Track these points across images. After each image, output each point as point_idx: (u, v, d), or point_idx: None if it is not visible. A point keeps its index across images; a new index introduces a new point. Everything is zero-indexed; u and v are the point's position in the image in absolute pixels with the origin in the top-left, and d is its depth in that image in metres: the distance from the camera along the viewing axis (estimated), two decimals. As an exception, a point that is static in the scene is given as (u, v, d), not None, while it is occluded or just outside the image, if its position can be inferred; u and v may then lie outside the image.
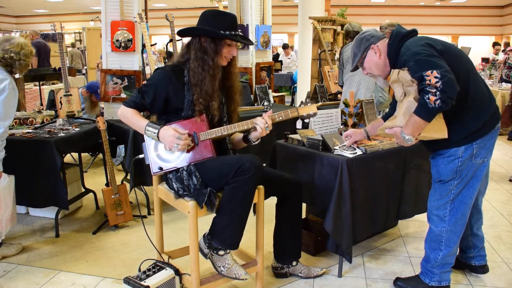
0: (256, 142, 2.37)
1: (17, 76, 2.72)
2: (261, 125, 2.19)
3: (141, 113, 2.37)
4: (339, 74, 4.18)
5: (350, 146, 2.56)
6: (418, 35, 2.20)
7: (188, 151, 2.20)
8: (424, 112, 1.96)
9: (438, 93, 1.88)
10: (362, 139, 2.58)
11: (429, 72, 1.89)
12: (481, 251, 2.58)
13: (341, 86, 4.20)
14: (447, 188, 2.24)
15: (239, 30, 2.25)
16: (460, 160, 2.17)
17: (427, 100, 1.90)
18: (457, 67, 2.01)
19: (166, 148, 2.22)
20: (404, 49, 2.10)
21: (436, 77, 1.88)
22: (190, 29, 2.23)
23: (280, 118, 2.19)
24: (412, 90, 2.06)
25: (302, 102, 2.22)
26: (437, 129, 2.07)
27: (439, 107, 1.91)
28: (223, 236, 2.18)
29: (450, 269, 2.39)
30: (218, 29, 2.16)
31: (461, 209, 2.26)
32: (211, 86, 2.19)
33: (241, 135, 2.41)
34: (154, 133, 2.18)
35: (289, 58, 12.22)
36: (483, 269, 2.60)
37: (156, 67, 3.77)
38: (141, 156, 2.35)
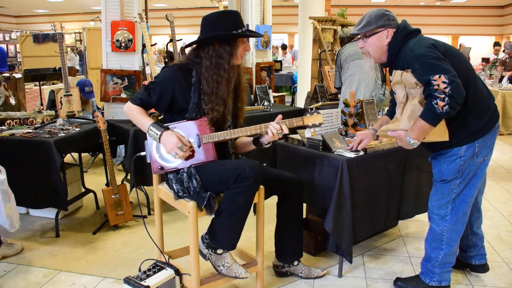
0: (268, 146, 2.34)
1: (18, 76, 2.70)
2: (274, 130, 2.16)
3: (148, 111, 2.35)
4: (336, 76, 4.16)
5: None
6: (420, 35, 2.18)
7: (187, 159, 2.19)
8: (432, 117, 1.95)
9: (446, 98, 1.87)
10: (373, 140, 2.54)
11: (436, 77, 1.88)
12: (481, 250, 2.58)
13: (337, 89, 4.18)
14: (449, 187, 2.24)
15: (246, 24, 2.25)
16: (462, 159, 2.17)
17: (435, 106, 1.89)
18: (459, 68, 2.00)
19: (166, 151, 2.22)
20: (408, 49, 2.08)
21: (444, 82, 1.86)
22: (204, 38, 2.17)
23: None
24: (415, 92, 2.04)
25: (308, 111, 2.20)
26: (439, 133, 2.07)
27: (447, 112, 1.91)
28: (221, 238, 2.18)
29: (451, 269, 2.40)
30: (229, 29, 2.14)
31: (462, 208, 2.26)
32: (227, 90, 2.19)
33: (250, 138, 2.37)
34: (157, 134, 2.16)
35: (283, 59, 12.24)
36: (484, 268, 2.60)
37: (156, 67, 3.78)
38: (142, 153, 2.34)
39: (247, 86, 4.62)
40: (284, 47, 12.95)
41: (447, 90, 1.87)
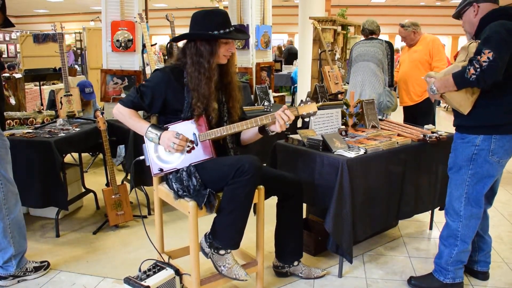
0: (273, 134, 2.31)
1: (18, 76, 2.69)
2: (281, 121, 2.15)
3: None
4: (348, 71, 4.16)
5: (351, 146, 2.57)
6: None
7: (188, 152, 2.20)
8: (459, 77, 2.07)
9: (479, 70, 1.97)
10: None
11: (487, 51, 1.98)
12: (487, 256, 2.57)
13: (348, 83, 4.19)
14: (461, 177, 2.30)
15: (232, 26, 2.24)
16: (477, 148, 2.23)
17: (467, 70, 2.01)
18: None
19: (166, 150, 2.22)
20: (492, 25, 2.12)
21: (488, 58, 1.96)
22: (184, 35, 2.24)
23: None
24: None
25: (302, 101, 2.22)
26: (461, 100, 2.19)
27: (471, 82, 2.01)
28: (224, 237, 2.18)
29: (462, 266, 2.41)
30: (211, 29, 2.15)
31: (475, 205, 2.30)
32: (208, 88, 2.19)
33: (255, 129, 2.33)
34: (157, 135, 2.18)
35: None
36: (484, 275, 2.59)
37: (156, 67, 3.78)
38: (141, 157, 2.35)
39: (243, 85, 4.62)
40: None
41: (484, 64, 1.96)
